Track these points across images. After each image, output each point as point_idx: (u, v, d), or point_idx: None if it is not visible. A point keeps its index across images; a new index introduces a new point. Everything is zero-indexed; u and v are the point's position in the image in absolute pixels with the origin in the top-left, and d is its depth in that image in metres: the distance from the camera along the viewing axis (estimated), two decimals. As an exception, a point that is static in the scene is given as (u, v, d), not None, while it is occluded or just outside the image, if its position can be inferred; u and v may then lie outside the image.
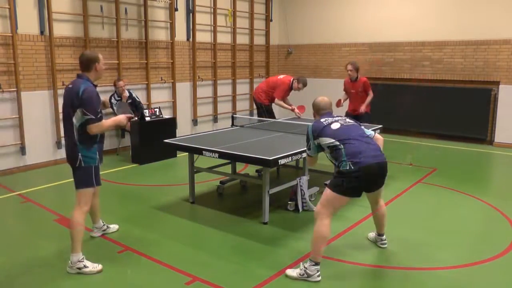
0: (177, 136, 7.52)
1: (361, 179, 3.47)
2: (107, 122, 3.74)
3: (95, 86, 3.73)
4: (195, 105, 9.59)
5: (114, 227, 4.57)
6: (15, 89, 6.72)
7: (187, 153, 5.41)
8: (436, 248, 4.17)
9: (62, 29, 7.25)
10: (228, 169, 5.77)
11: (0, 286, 3.54)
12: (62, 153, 7.34)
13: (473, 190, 5.93)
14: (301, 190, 5.07)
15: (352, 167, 3.44)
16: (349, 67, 7.34)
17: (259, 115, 7.83)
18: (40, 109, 7.09)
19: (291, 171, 6.63)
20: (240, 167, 6.67)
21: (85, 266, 3.68)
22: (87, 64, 3.72)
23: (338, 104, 7.49)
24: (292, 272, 3.65)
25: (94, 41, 7.66)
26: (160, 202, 5.48)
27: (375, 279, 3.65)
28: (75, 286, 3.52)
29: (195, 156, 5.25)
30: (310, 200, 5.21)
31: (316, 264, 3.57)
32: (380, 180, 3.66)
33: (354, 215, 5.02)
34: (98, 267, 3.72)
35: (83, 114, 3.56)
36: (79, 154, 3.65)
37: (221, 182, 5.88)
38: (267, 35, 11.48)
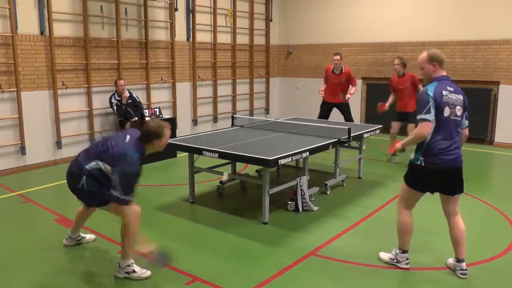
0: (177, 136, 7.52)
1: (427, 177, 3.43)
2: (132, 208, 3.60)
3: (144, 157, 3.58)
4: (195, 105, 9.59)
5: (90, 237, 4.34)
6: (15, 89, 6.72)
7: (187, 153, 5.41)
8: (436, 248, 4.16)
9: (62, 29, 7.25)
10: (228, 169, 5.76)
11: None
12: (62, 153, 7.35)
13: (473, 190, 5.92)
14: (301, 190, 5.07)
15: (423, 165, 3.39)
16: (396, 61, 6.60)
17: None
18: (40, 109, 7.09)
19: (291, 171, 6.63)
20: (240, 167, 6.67)
21: (133, 271, 3.61)
22: (147, 136, 3.56)
23: (382, 108, 7.11)
24: (384, 256, 3.88)
25: (94, 41, 7.66)
26: (160, 202, 5.48)
27: (375, 279, 3.64)
28: (75, 286, 3.52)
29: (195, 156, 5.25)
30: (310, 200, 5.20)
31: (404, 252, 3.74)
32: (454, 181, 3.46)
33: (354, 215, 5.02)
34: (147, 273, 3.63)
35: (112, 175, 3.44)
36: (84, 177, 3.54)
37: (221, 182, 5.88)
38: (267, 35, 11.48)
